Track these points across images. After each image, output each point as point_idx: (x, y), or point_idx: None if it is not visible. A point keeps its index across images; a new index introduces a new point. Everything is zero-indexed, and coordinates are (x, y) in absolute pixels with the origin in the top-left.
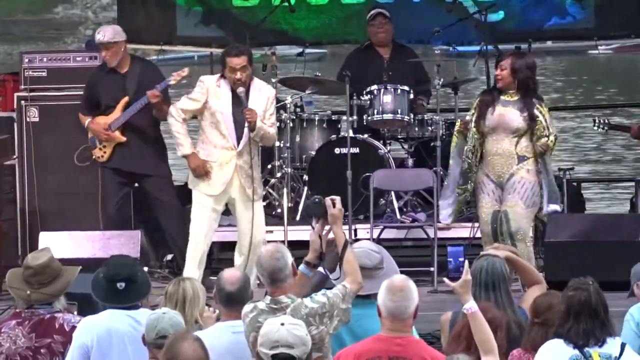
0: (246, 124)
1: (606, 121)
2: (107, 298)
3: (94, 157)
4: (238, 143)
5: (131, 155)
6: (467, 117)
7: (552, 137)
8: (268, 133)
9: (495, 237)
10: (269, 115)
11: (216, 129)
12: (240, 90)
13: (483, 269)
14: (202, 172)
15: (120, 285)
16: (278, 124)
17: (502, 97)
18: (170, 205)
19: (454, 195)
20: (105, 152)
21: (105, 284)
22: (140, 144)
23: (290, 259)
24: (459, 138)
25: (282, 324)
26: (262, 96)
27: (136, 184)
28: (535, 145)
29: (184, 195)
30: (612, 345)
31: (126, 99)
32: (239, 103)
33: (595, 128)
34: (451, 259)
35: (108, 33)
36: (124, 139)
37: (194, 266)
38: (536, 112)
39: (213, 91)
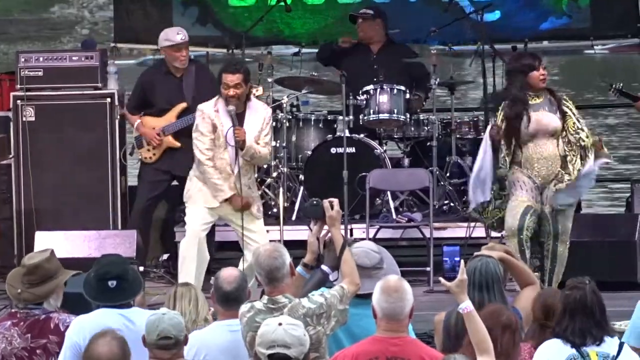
0: (232, 143)
1: (619, 87)
2: (99, 296)
3: (141, 157)
4: (236, 164)
5: (181, 159)
6: (498, 123)
7: (587, 132)
8: (258, 152)
9: (520, 232)
10: (263, 135)
11: (217, 153)
12: (230, 108)
13: (477, 270)
14: (246, 207)
15: (112, 283)
16: (274, 123)
17: (531, 103)
18: None
19: (490, 193)
20: (154, 155)
21: (96, 282)
22: (191, 150)
23: (288, 259)
24: (488, 143)
25: (280, 324)
26: (258, 116)
27: (175, 182)
28: (587, 142)
29: None
30: (610, 345)
31: (184, 104)
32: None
33: (610, 92)
34: (447, 259)
35: (185, 33)
36: (178, 144)
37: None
38: (564, 107)
39: (213, 116)
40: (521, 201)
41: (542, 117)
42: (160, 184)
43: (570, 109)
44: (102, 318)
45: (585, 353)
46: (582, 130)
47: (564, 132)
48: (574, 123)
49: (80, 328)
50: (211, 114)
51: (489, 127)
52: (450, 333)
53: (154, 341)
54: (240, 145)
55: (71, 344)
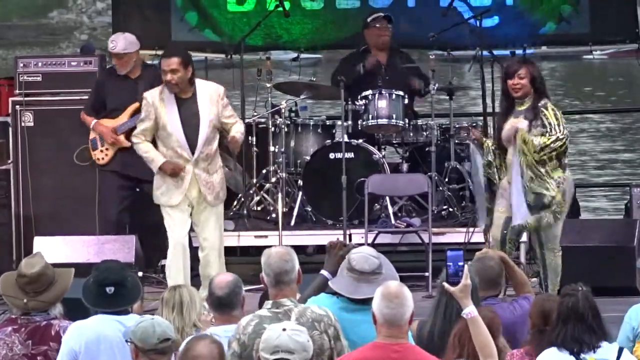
0: (202, 133)
1: None
2: (97, 303)
3: (93, 158)
4: (192, 152)
5: (132, 160)
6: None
7: (552, 137)
8: (242, 134)
9: (503, 243)
10: (227, 113)
11: (168, 141)
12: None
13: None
14: (178, 172)
15: (110, 289)
16: (273, 128)
17: (516, 108)
18: None
19: (486, 206)
20: (106, 155)
21: (94, 288)
22: None
23: (297, 265)
24: (476, 152)
25: (284, 330)
26: (209, 97)
27: (137, 189)
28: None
29: None
30: (607, 350)
31: (137, 104)
32: (186, 110)
33: None
34: (450, 263)
35: (120, 44)
36: (128, 143)
37: (179, 274)
38: (541, 115)
39: (158, 104)
40: (501, 212)
41: (517, 123)
42: (127, 193)
43: (547, 117)
44: (99, 324)
45: None
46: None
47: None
48: (547, 130)
49: (78, 334)
50: (155, 100)
51: (471, 136)
52: (422, 343)
53: (155, 345)
54: (236, 152)
55: (68, 350)
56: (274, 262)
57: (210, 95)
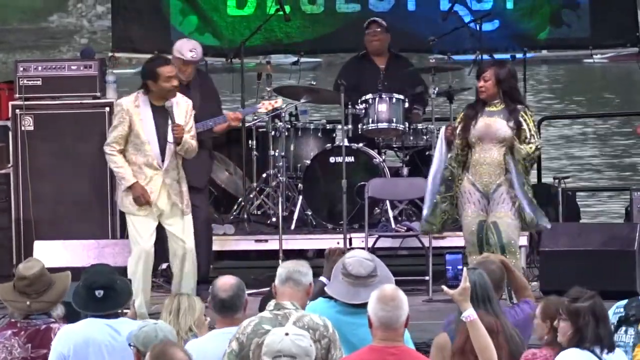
0: (171, 140)
1: None
2: (86, 306)
3: None
4: (162, 160)
5: (194, 168)
6: (455, 124)
7: (533, 145)
8: (192, 146)
9: (481, 247)
10: (189, 127)
11: (140, 149)
12: (169, 104)
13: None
14: (142, 202)
15: (99, 292)
16: (273, 132)
17: (486, 109)
18: (204, 214)
19: (433, 202)
20: None
21: (83, 292)
22: (196, 157)
23: (311, 279)
24: (443, 145)
25: (287, 334)
26: (181, 109)
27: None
28: (514, 152)
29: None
30: (620, 354)
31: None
32: (160, 119)
33: None
34: (449, 267)
35: (199, 51)
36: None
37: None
38: (521, 119)
39: (133, 112)
40: (472, 218)
41: (494, 122)
42: None
43: (527, 122)
44: (88, 328)
45: None
46: (528, 143)
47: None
48: (528, 136)
49: (66, 338)
50: (130, 108)
51: (443, 128)
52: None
53: None
54: (177, 141)
55: (57, 355)
56: (291, 265)
57: (181, 108)
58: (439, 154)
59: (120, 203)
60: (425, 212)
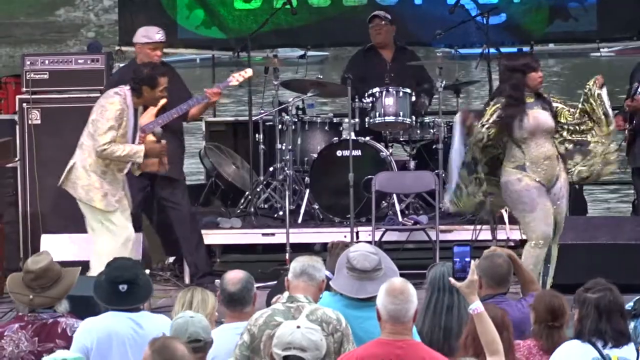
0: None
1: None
2: (109, 300)
3: None
4: None
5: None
6: (487, 118)
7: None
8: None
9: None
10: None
11: (122, 142)
12: (158, 131)
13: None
14: (165, 154)
15: (123, 287)
16: (280, 126)
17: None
18: (186, 208)
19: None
20: None
21: (107, 286)
22: (171, 148)
23: (324, 276)
24: (460, 129)
25: (298, 327)
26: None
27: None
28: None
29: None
30: (629, 349)
31: (164, 101)
32: (136, 120)
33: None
34: (457, 259)
35: (163, 33)
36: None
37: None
38: (554, 104)
39: (125, 112)
40: (549, 209)
41: (539, 115)
42: (144, 189)
43: (554, 100)
44: (111, 321)
45: (608, 357)
46: (575, 107)
47: (557, 132)
48: (568, 110)
49: (89, 331)
50: (125, 109)
51: (458, 113)
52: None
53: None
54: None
55: (79, 347)
56: (305, 260)
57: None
58: (457, 140)
59: (109, 204)
60: (449, 193)
